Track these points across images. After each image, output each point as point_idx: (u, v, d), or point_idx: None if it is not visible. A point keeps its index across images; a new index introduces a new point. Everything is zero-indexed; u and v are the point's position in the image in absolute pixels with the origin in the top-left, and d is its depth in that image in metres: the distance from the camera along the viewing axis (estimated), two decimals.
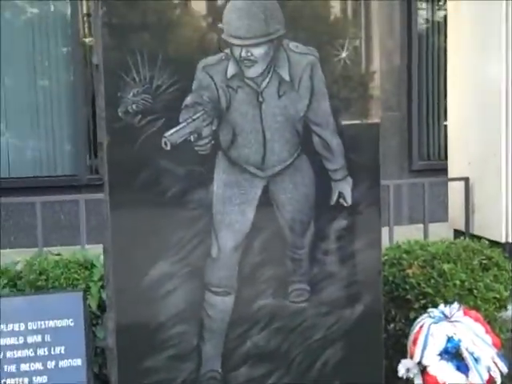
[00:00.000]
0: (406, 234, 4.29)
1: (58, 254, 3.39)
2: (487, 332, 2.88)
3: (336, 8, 2.74)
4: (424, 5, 7.26)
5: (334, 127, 2.70)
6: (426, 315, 2.93)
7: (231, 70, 2.58)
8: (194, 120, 2.55)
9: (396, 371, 2.87)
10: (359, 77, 2.76)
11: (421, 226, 4.50)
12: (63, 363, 2.75)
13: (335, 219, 2.73)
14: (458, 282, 3.18)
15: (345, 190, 2.71)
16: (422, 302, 3.17)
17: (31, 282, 3.12)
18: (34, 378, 2.72)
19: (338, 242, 2.74)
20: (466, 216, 4.25)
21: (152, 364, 2.56)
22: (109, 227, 2.56)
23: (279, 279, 2.67)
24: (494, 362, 2.80)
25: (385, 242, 2.99)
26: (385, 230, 2.99)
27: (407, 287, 3.24)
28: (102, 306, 3.03)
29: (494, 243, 3.75)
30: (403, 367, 2.85)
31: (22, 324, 2.71)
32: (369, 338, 2.77)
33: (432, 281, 3.21)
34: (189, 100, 2.55)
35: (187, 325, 2.59)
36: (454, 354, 2.79)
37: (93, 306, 3.05)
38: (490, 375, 2.79)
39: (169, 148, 2.53)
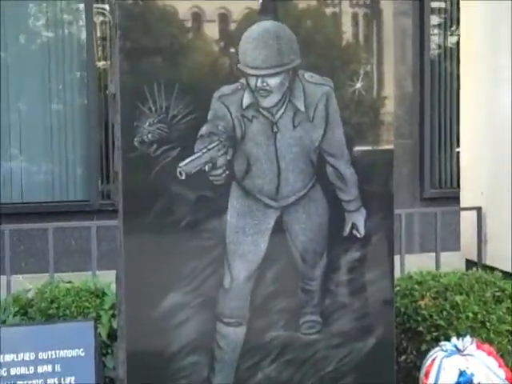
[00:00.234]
0: (417, 262, 4.26)
1: (69, 282, 3.39)
2: (500, 366, 2.85)
3: (348, 34, 2.75)
4: (436, 31, 7.29)
5: (348, 157, 2.70)
6: (438, 348, 2.90)
7: (247, 99, 2.59)
8: (209, 150, 2.56)
9: None
10: (373, 106, 2.77)
11: (432, 254, 4.47)
12: None
13: (348, 250, 2.72)
14: (470, 315, 3.15)
15: (358, 221, 2.70)
16: (434, 334, 3.14)
17: (42, 310, 3.11)
18: None
19: (350, 274, 2.73)
20: (478, 246, 4.22)
21: None
22: (122, 256, 2.56)
23: (291, 310, 2.66)
24: None
25: (396, 272, 2.98)
26: (396, 259, 2.97)
27: (419, 319, 3.21)
28: (112, 335, 3.02)
29: (507, 274, 3.71)
30: None
31: (32, 353, 2.71)
32: (381, 370, 2.75)
33: (444, 313, 3.18)
34: (204, 130, 2.56)
35: (198, 356, 2.58)
36: None
37: (103, 335, 3.04)
38: None
39: (184, 177, 2.54)
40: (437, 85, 7.12)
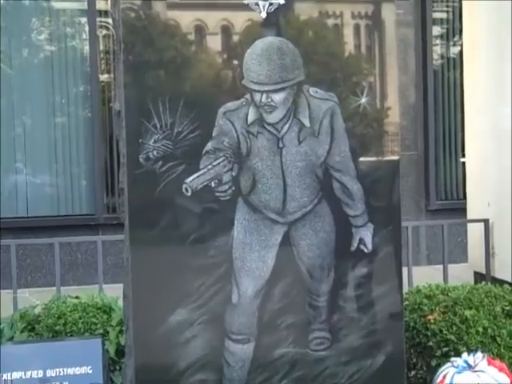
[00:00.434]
0: (424, 275, 4.25)
1: (77, 297, 3.38)
2: None
3: (351, 45, 2.74)
4: (438, 41, 7.29)
5: (354, 172, 2.68)
6: (449, 364, 2.87)
7: (251, 115, 2.58)
8: (214, 166, 2.55)
9: None
10: (377, 117, 2.75)
11: (439, 266, 4.45)
12: None
13: (356, 265, 2.70)
14: (480, 329, 3.12)
15: (366, 236, 2.68)
16: (444, 349, 3.12)
17: (49, 326, 3.10)
18: None
19: (358, 289, 2.71)
20: (486, 259, 4.19)
21: None
22: (128, 273, 2.55)
23: (300, 327, 2.64)
24: None
25: (404, 285, 2.95)
26: (403, 271, 2.95)
27: (429, 334, 3.18)
28: (120, 352, 3.00)
29: None
30: None
31: (40, 371, 2.69)
32: None
33: (454, 327, 3.15)
34: (209, 146, 2.55)
35: (207, 373, 2.56)
36: None
37: (111, 352, 3.03)
38: None
39: (189, 194, 2.53)
40: (440, 95, 7.12)
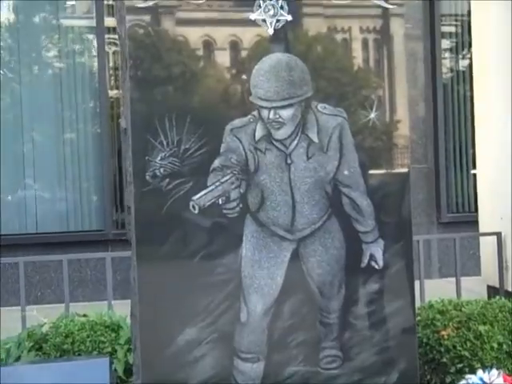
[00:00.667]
0: (437, 288, 4.19)
1: (84, 315, 3.35)
2: None
3: (360, 60, 2.72)
4: (447, 54, 7.27)
5: (363, 188, 2.65)
6: (463, 382, 2.82)
7: (259, 132, 2.56)
8: (222, 183, 2.53)
9: None
10: (387, 131, 2.73)
11: (452, 279, 4.39)
12: None
13: (367, 282, 2.66)
14: (495, 345, 3.08)
15: (376, 252, 2.65)
16: (459, 365, 3.07)
17: (57, 345, 3.08)
18: None
19: (370, 306, 2.67)
20: (500, 272, 4.14)
21: None
22: (135, 292, 2.52)
23: (310, 345, 2.60)
24: None
25: (416, 299, 2.91)
26: (415, 285, 2.90)
27: (442, 350, 3.14)
28: (128, 371, 2.97)
29: None
30: None
31: None
32: None
33: (468, 343, 3.10)
34: (217, 163, 2.53)
35: None
36: None
37: (119, 371, 3.00)
38: None
39: (197, 211, 2.50)
40: (450, 108, 7.09)
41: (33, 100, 6.43)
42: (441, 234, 6.46)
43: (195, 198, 2.51)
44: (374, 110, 2.67)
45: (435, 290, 3.89)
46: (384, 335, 2.67)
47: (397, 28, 2.75)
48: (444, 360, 3.12)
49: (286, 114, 2.56)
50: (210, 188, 2.52)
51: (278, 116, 2.56)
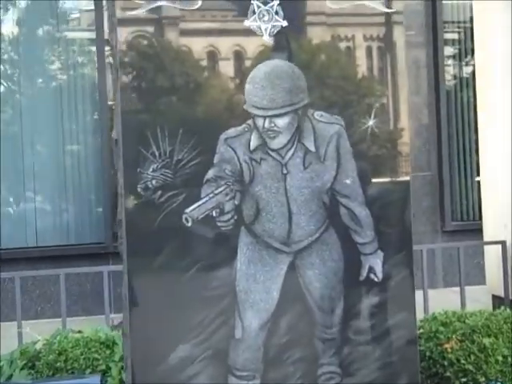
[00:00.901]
0: (441, 297, 4.12)
1: (79, 332, 3.28)
2: None
3: (363, 67, 2.66)
4: (451, 61, 7.22)
5: (362, 198, 2.58)
6: None
7: (254, 141, 2.49)
8: (216, 195, 2.46)
9: None
10: (389, 139, 2.67)
11: (456, 288, 4.31)
12: None
13: (366, 295, 2.59)
14: (500, 358, 3.00)
15: (375, 264, 2.57)
16: (463, 379, 3.00)
17: (50, 364, 3.01)
18: None
19: (369, 320, 2.59)
20: (505, 282, 4.05)
21: None
22: (126, 308, 2.45)
23: (308, 361, 2.52)
24: None
25: (419, 309, 2.83)
26: (419, 295, 2.83)
27: (446, 363, 3.06)
28: None
29: None
30: None
31: None
32: None
33: (472, 356, 3.02)
34: (210, 174, 2.46)
35: None
36: None
37: None
38: None
39: (190, 224, 2.43)
40: (453, 115, 7.03)
41: (34, 112, 6.40)
42: (444, 243, 6.38)
43: (188, 210, 2.43)
44: (372, 116, 2.60)
45: (440, 299, 3.81)
46: (384, 349, 2.59)
47: (398, 35, 2.69)
48: (448, 374, 3.05)
49: (281, 122, 2.49)
50: (203, 200, 2.45)
51: (273, 125, 2.49)
